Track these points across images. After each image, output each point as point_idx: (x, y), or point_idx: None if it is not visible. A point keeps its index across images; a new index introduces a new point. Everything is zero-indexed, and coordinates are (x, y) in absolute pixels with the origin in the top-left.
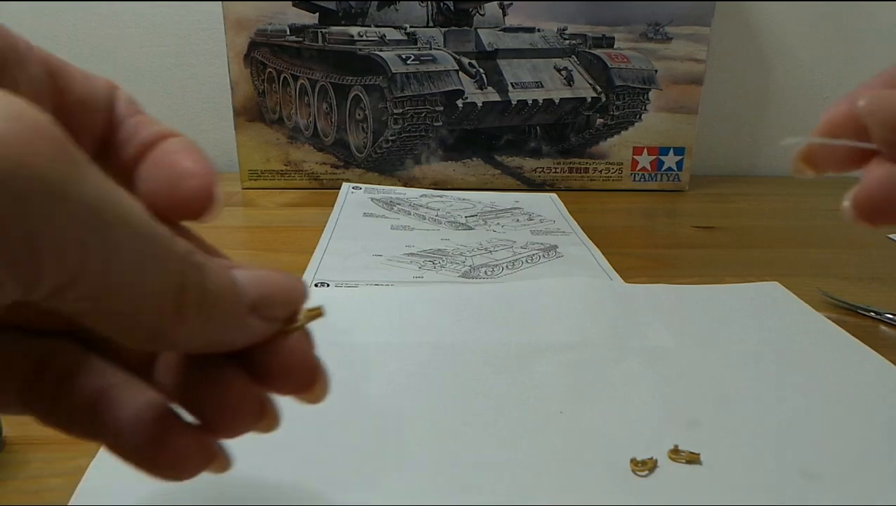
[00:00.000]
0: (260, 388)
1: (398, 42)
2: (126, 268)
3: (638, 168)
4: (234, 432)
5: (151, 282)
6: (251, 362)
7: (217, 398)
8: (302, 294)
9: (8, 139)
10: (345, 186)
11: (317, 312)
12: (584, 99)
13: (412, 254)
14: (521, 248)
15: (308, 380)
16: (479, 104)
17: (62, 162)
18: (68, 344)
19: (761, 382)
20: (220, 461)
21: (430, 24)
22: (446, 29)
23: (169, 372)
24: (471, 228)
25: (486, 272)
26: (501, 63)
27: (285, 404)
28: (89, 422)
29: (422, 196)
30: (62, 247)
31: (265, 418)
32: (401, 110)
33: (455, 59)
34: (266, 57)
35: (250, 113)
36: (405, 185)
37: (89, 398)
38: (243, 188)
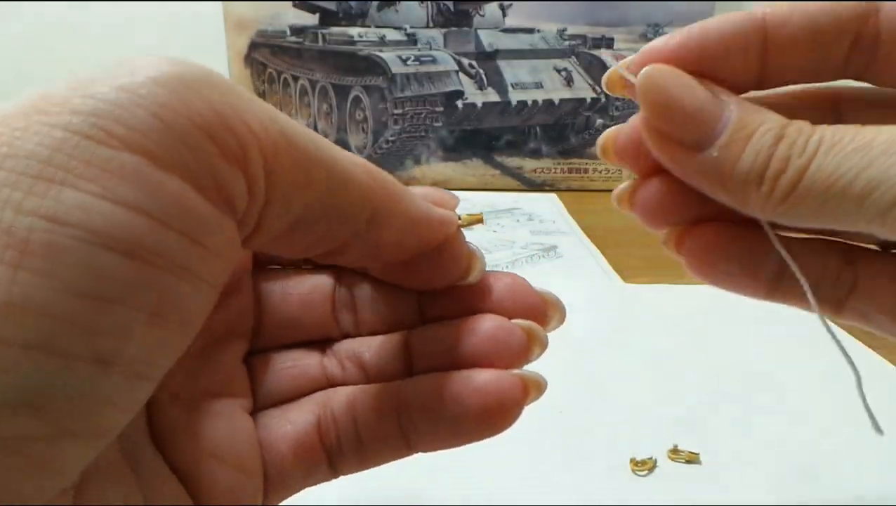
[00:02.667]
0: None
1: (398, 43)
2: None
3: None
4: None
5: (349, 202)
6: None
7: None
8: (451, 195)
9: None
10: None
11: (477, 218)
12: (584, 99)
13: None
14: (521, 248)
15: (462, 262)
16: (479, 105)
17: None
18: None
19: (761, 381)
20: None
21: (430, 24)
22: (446, 30)
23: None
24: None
25: None
26: (501, 64)
27: None
28: None
29: None
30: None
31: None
32: (401, 111)
33: (455, 59)
34: (266, 57)
35: None
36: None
37: None
38: None
